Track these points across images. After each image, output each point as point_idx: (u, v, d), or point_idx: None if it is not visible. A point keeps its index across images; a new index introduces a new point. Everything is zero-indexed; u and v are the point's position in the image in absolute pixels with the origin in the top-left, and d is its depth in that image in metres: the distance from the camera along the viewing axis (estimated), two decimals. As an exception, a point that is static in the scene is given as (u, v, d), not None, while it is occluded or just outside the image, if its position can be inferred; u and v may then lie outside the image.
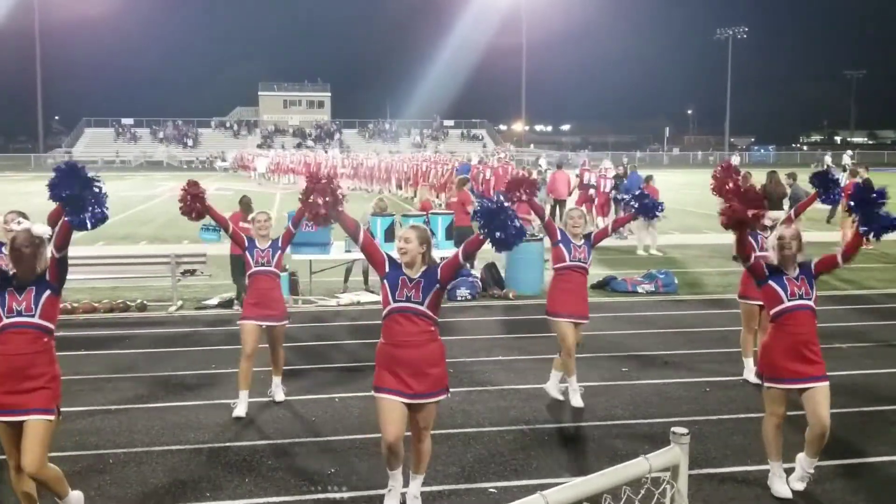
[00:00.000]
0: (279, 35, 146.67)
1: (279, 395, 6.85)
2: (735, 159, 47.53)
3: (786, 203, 15.53)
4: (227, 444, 5.93)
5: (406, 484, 4.81)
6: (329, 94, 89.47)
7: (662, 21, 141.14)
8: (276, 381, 6.88)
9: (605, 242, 7.18)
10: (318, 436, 6.10)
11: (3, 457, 4.71)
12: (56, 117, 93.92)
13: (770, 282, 4.90)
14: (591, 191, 18.95)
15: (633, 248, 16.08)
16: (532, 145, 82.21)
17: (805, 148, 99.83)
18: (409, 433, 4.69)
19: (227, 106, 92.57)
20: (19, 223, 5.12)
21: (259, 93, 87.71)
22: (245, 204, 10.73)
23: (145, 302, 10.91)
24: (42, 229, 4.23)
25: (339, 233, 11.52)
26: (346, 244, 11.09)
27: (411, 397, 4.51)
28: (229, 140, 77.38)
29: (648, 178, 16.53)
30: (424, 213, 14.84)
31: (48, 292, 4.21)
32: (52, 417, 4.20)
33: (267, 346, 6.72)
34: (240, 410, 6.45)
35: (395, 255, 4.65)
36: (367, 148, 58.34)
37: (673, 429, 2.67)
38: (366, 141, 76.77)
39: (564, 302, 6.51)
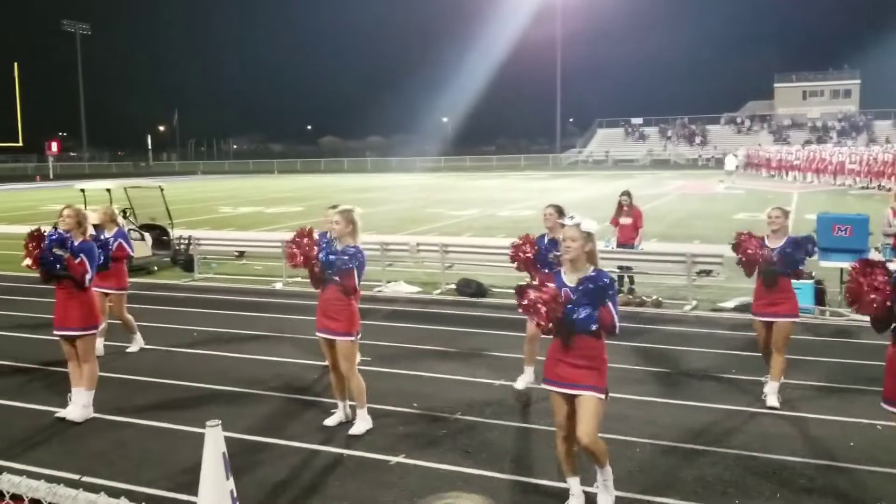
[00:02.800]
0: (797, 21, 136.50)
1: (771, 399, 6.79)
2: None
3: None
4: (718, 448, 5.76)
5: None
6: (858, 81, 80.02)
7: None
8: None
9: None
10: (835, 460, 5.53)
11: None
12: (571, 119, 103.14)
13: None
14: None
15: None
16: None
17: None
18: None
19: (737, 101, 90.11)
20: None
21: (774, 85, 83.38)
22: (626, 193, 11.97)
23: (660, 299, 11.27)
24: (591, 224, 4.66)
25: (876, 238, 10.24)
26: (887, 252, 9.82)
27: None
28: (738, 136, 75.25)
29: None
30: None
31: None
32: (601, 396, 4.64)
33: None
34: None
35: None
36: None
37: None
38: (902, 133, 66.70)
39: None
